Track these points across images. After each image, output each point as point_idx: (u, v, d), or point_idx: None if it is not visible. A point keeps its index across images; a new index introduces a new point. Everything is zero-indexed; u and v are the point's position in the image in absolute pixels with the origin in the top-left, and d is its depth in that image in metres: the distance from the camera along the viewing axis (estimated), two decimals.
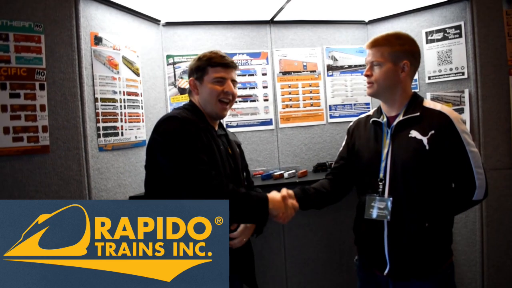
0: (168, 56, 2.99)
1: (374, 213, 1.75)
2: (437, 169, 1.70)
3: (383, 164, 1.76)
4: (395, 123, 1.77)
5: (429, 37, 2.92)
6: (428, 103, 1.79)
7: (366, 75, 1.81)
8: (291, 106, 3.15)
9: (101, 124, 2.32)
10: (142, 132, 2.67)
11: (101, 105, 2.33)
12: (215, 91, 1.80)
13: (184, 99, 2.98)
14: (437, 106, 1.76)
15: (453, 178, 1.74)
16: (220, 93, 1.81)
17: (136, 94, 2.61)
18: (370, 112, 1.99)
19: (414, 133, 1.71)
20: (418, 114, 1.73)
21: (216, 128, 1.92)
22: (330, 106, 3.22)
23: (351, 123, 2.06)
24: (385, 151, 1.77)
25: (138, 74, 2.66)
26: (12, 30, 1.99)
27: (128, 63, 2.57)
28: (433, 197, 1.71)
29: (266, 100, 3.11)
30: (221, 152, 1.80)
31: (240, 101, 3.07)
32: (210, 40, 3.03)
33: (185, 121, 1.68)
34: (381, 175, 1.76)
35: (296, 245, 3.10)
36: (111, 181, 2.37)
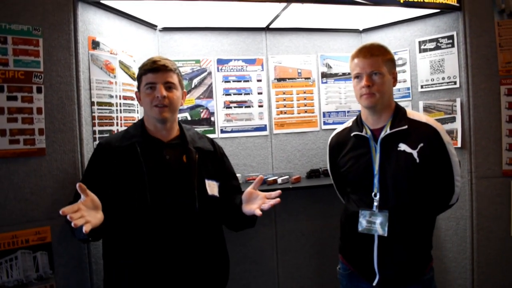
0: None
1: (369, 228, 1.74)
2: (426, 180, 1.72)
3: (376, 180, 1.75)
4: (382, 136, 1.75)
5: (422, 46, 2.95)
6: (412, 114, 1.79)
7: (367, 86, 1.73)
8: (285, 112, 3.16)
9: (97, 128, 2.32)
10: None
11: (98, 109, 2.33)
12: (147, 99, 1.80)
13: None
14: (422, 117, 1.77)
15: (436, 185, 1.76)
16: (153, 99, 1.78)
17: (132, 99, 2.62)
18: (348, 124, 1.94)
19: (403, 147, 1.71)
20: (406, 127, 1.72)
21: (172, 136, 1.89)
22: (324, 113, 3.24)
23: (330, 139, 2.03)
24: (376, 166, 1.75)
25: (134, 79, 2.66)
26: (10, 33, 1.99)
27: (125, 67, 2.58)
28: (421, 207, 1.74)
29: (260, 106, 3.12)
30: (154, 168, 1.76)
31: (235, 107, 3.08)
32: (206, 46, 3.04)
33: (100, 148, 1.87)
34: (375, 190, 1.75)
35: (288, 250, 3.11)
36: None
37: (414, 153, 1.69)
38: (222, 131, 3.04)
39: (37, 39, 2.07)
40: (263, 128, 3.12)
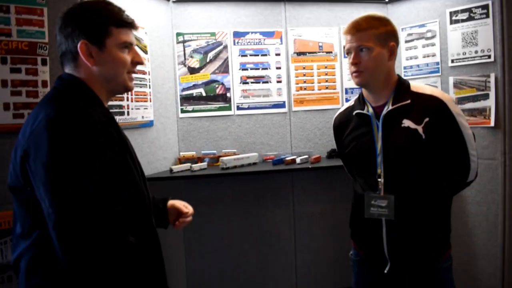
0: (178, 34, 2.87)
1: (376, 212, 1.63)
2: (435, 157, 1.59)
3: (379, 159, 1.62)
4: (384, 113, 1.62)
5: (454, 17, 2.74)
6: (416, 87, 1.65)
7: (354, 63, 1.61)
8: (305, 89, 3.02)
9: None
10: (149, 112, 2.58)
11: None
12: (125, 62, 1.26)
13: (193, 79, 2.88)
14: (426, 89, 1.62)
15: (449, 162, 1.62)
16: (132, 64, 1.31)
17: (143, 73, 2.52)
18: (351, 103, 1.83)
19: (407, 123, 1.58)
20: (409, 101, 1.59)
21: None
22: (346, 89, 3.09)
23: (333, 120, 1.91)
24: (378, 145, 1.62)
25: (146, 52, 2.56)
26: (13, 2, 1.89)
27: (136, 39, 2.45)
28: (431, 187, 1.61)
29: (279, 81, 2.99)
30: (130, 151, 1.29)
31: (252, 82, 2.96)
32: (222, 18, 2.91)
33: (102, 124, 1.17)
34: (379, 171, 1.63)
35: (306, 232, 3.02)
36: None
37: (419, 128, 1.55)
38: (239, 108, 2.92)
39: (41, 8, 1.96)
40: (281, 105, 2.99)
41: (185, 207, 1.62)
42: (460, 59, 2.74)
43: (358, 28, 1.60)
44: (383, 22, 1.63)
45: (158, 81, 2.69)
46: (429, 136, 1.54)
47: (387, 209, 1.60)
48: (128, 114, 2.38)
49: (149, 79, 2.58)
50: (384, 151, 1.61)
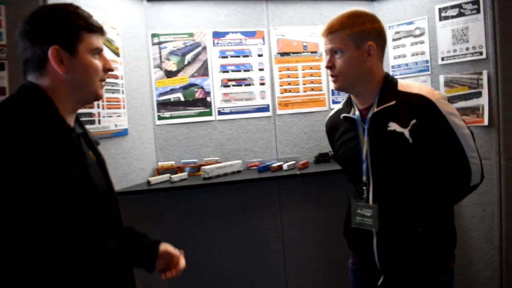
0: (153, 35, 2.69)
1: (361, 222, 1.52)
2: (425, 163, 1.45)
3: (364, 166, 1.51)
4: (369, 116, 1.50)
5: (443, 14, 2.65)
6: (404, 85, 1.51)
7: (328, 67, 1.51)
8: (290, 91, 2.88)
9: None
10: (123, 119, 2.38)
11: None
12: (97, 68, 1.17)
13: (171, 83, 2.69)
14: (414, 88, 1.48)
15: (444, 167, 1.48)
16: (103, 71, 1.20)
17: (116, 77, 2.32)
18: (340, 105, 1.72)
19: (392, 126, 1.45)
20: (393, 102, 1.46)
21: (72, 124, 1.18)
22: (332, 91, 2.95)
23: (325, 123, 1.81)
24: (364, 151, 1.51)
25: (118, 54, 2.36)
26: None
27: (106, 41, 2.26)
28: (423, 195, 1.47)
29: (262, 84, 2.83)
30: (88, 167, 1.14)
31: (233, 85, 2.79)
32: (200, 18, 2.74)
33: (51, 131, 1.04)
34: (364, 178, 1.51)
35: (296, 242, 2.87)
36: None
37: (405, 132, 1.42)
38: (220, 113, 2.76)
39: None
40: (265, 109, 2.83)
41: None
42: (450, 56, 2.65)
43: (330, 30, 1.49)
44: (360, 20, 1.49)
45: (132, 86, 2.49)
46: (417, 140, 1.41)
47: (371, 219, 1.48)
48: (99, 122, 2.18)
49: (122, 83, 2.38)
50: (371, 157, 1.49)
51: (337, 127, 1.66)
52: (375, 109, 1.47)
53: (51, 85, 1.10)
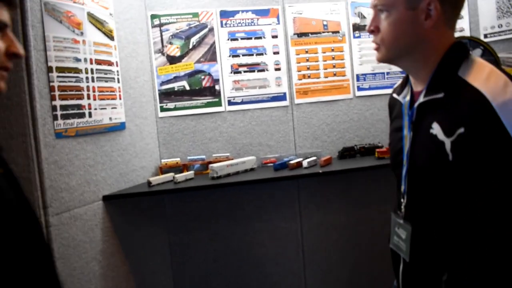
0: (153, 16, 2.38)
1: (397, 244, 1.16)
2: (469, 191, 0.99)
3: (404, 171, 1.13)
4: (415, 106, 1.10)
5: None
6: (468, 68, 1.02)
7: (370, 31, 1.11)
8: (309, 77, 2.55)
9: (58, 102, 1.74)
10: (119, 112, 2.09)
11: (58, 76, 1.75)
12: None
13: (174, 70, 2.39)
14: (479, 75, 0.98)
15: (495, 204, 0.97)
16: (7, 56, 0.83)
17: (109, 63, 2.02)
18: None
19: (436, 129, 1.01)
20: (441, 95, 1.01)
21: None
22: (357, 76, 2.61)
23: (390, 94, 1.36)
24: (406, 150, 1.13)
25: (111, 38, 2.06)
26: None
27: (97, 22, 1.97)
28: (462, 234, 1.00)
29: (277, 69, 2.52)
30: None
31: (245, 71, 2.48)
32: None
33: None
34: (403, 187, 1.14)
35: (317, 248, 2.56)
36: (76, 177, 1.81)
37: (447, 142, 0.98)
38: (230, 103, 2.46)
39: None
40: (281, 98, 2.52)
41: None
42: (495, 33, 2.34)
43: None
44: None
45: (129, 74, 2.20)
46: (460, 158, 0.97)
47: (404, 243, 1.12)
48: (90, 115, 1.89)
49: (118, 71, 2.09)
50: (410, 161, 1.10)
51: (394, 107, 1.28)
52: (422, 99, 1.07)
53: None
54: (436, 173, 1.02)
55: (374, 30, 1.09)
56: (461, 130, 0.95)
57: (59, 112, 1.74)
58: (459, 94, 0.98)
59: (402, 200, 1.14)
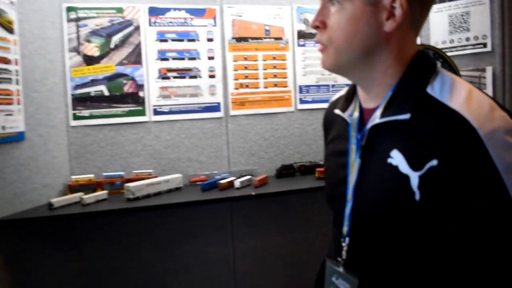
0: (69, 9, 2.08)
1: None
2: (444, 239, 0.79)
3: (348, 209, 0.89)
4: (368, 127, 0.86)
5: None
6: (444, 86, 0.80)
7: (315, 27, 0.87)
8: (247, 86, 2.34)
9: None
10: (17, 119, 1.77)
11: None
12: None
13: (91, 72, 2.10)
14: (458, 94, 0.77)
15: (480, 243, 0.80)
16: None
17: (5, 61, 1.70)
18: (344, 91, 1.05)
19: (396, 158, 0.80)
20: (407, 116, 0.79)
21: None
22: (300, 87, 2.43)
23: (326, 109, 1.14)
24: (351, 183, 0.89)
25: (11, 31, 1.75)
26: None
27: None
28: (435, 276, 0.80)
29: (212, 76, 2.29)
30: None
31: (175, 77, 2.23)
32: None
33: None
34: (345, 228, 0.90)
35: (250, 274, 2.35)
36: None
37: (414, 177, 0.77)
38: (156, 112, 2.20)
39: None
40: (215, 108, 2.30)
41: None
42: (447, 48, 2.31)
43: None
44: None
45: (34, 75, 1.88)
46: (429, 198, 0.76)
47: None
48: None
49: (17, 70, 1.77)
50: (356, 196, 0.86)
51: (331, 123, 1.06)
52: (378, 119, 0.84)
53: None
54: (395, 214, 0.80)
55: (320, 25, 0.85)
56: (434, 162, 0.75)
57: None
58: (430, 117, 0.77)
59: (342, 243, 0.90)
